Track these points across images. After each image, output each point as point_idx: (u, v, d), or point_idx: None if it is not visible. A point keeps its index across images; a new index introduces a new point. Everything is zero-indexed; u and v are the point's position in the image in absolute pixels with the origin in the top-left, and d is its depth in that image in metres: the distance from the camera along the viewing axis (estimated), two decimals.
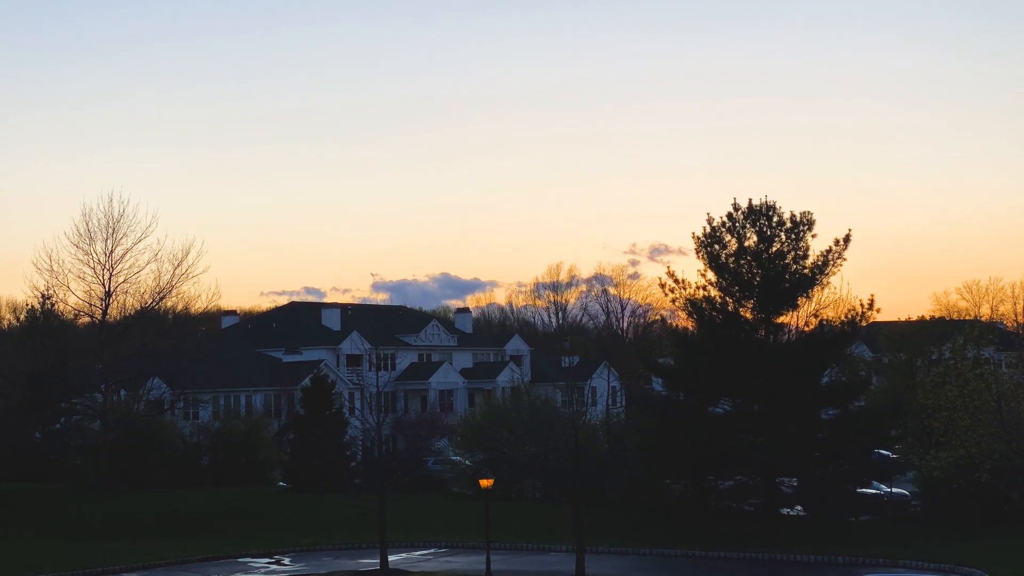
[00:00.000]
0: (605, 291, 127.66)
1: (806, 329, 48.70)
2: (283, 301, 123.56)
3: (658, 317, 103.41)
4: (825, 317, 48.48)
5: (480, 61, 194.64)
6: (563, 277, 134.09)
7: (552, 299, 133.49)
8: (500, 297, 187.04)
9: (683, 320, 52.53)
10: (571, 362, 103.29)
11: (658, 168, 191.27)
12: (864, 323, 48.88)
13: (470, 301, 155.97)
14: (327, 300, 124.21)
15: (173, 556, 43.38)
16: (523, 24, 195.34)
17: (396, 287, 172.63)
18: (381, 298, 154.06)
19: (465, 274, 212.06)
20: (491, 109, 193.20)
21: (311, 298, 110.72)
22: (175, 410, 69.17)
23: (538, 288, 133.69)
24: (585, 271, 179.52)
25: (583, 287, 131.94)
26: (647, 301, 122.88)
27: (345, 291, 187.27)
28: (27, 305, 70.04)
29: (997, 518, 43.98)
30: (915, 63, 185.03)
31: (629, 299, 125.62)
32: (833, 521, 47.17)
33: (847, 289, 48.57)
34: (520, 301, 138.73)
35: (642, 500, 49.10)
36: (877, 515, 49.38)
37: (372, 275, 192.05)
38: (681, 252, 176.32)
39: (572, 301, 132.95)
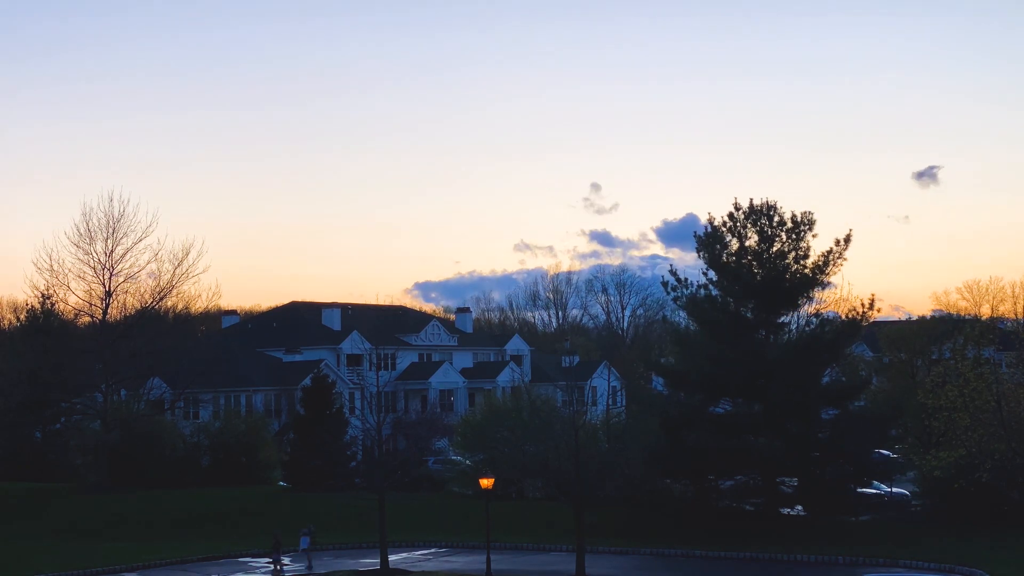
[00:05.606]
0: (605, 290, 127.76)
1: (807, 329, 48.72)
2: (283, 301, 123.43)
3: (658, 316, 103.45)
4: (826, 317, 48.52)
5: (488, 64, 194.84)
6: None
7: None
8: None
9: (684, 319, 52.59)
10: (571, 362, 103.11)
11: (657, 167, 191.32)
12: (865, 323, 48.91)
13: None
14: (327, 300, 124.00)
15: (173, 556, 43.37)
16: (522, 20, 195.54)
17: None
18: (386, 299, 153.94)
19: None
20: (496, 109, 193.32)
21: (311, 298, 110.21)
22: (175, 410, 69.07)
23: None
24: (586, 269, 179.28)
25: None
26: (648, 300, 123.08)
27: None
28: (27, 305, 70.06)
29: (997, 518, 43.97)
30: (915, 62, 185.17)
31: (630, 298, 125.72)
32: (833, 521, 47.19)
33: (848, 289, 48.72)
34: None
35: (642, 500, 49.05)
36: (877, 515, 49.42)
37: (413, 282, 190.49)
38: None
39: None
